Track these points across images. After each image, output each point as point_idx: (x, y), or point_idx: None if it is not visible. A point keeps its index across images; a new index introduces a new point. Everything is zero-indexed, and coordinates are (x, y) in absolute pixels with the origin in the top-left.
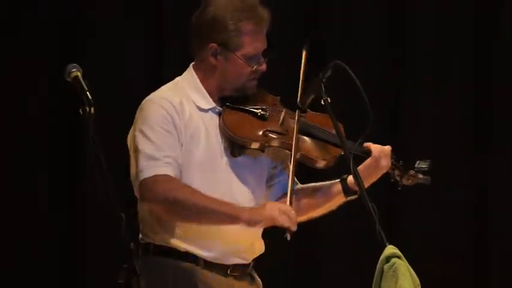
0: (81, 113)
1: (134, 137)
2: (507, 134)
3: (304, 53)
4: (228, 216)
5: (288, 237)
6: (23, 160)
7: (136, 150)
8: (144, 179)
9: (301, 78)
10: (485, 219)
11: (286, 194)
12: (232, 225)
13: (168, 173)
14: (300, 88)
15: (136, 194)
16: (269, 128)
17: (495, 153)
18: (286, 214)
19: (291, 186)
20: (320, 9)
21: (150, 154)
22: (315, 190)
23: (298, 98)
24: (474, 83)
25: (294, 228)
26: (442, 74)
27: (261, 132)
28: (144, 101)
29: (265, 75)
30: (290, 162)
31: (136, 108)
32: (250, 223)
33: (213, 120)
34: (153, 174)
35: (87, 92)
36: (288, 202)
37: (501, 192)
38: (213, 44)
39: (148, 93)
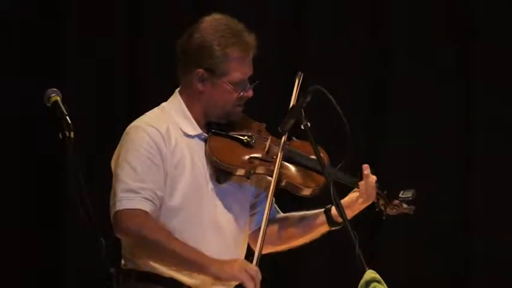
0: (61, 137)
1: (117, 163)
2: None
3: (297, 81)
4: (196, 265)
5: None
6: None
7: (118, 178)
8: (120, 211)
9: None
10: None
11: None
12: (200, 274)
13: (145, 209)
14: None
15: (112, 221)
16: (255, 155)
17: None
18: (253, 279)
19: (261, 243)
20: (303, 36)
21: (131, 185)
22: (299, 219)
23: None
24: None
25: None
26: (420, 97)
27: (246, 159)
28: (130, 127)
29: (251, 100)
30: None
31: (118, 130)
32: (217, 277)
33: (199, 147)
34: (129, 207)
35: (67, 117)
36: (254, 262)
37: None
38: (200, 70)
39: (130, 115)
